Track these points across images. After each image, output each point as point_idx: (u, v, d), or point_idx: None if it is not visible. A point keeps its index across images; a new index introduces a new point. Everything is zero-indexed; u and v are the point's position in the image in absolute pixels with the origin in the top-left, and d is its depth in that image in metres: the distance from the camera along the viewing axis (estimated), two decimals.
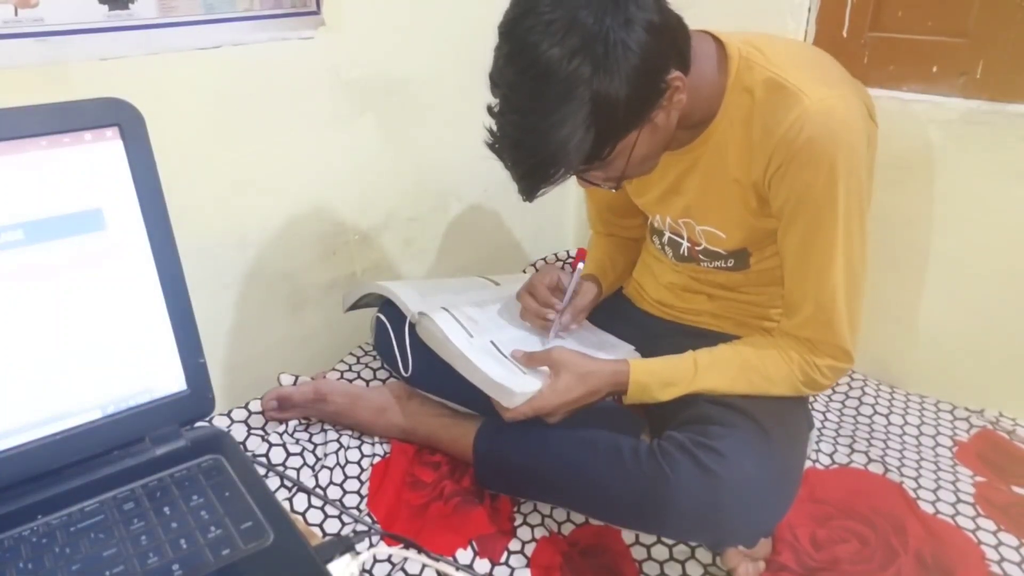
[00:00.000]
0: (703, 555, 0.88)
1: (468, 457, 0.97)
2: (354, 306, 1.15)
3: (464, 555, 0.87)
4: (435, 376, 1.01)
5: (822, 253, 0.84)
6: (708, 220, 0.94)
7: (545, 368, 0.92)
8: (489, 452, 0.96)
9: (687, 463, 0.81)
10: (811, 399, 1.15)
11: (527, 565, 0.86)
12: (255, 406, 1.05)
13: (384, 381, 1.15)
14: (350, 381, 1.15)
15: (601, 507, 0.88)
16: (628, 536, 0.90)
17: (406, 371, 1.05)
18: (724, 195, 0.90)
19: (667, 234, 1.03)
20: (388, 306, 1.09)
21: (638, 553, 0.88)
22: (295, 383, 1.07)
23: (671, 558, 0.88)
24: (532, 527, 0.92)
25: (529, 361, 0.93)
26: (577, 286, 1.00)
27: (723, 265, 0.99)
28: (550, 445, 0.91)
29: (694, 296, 1.05)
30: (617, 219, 1.17)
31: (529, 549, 0.89)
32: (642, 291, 1.13)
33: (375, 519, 0.91)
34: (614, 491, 0.85)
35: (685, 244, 1.00)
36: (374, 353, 1.20)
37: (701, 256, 0.99)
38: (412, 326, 1.02)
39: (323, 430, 1.05)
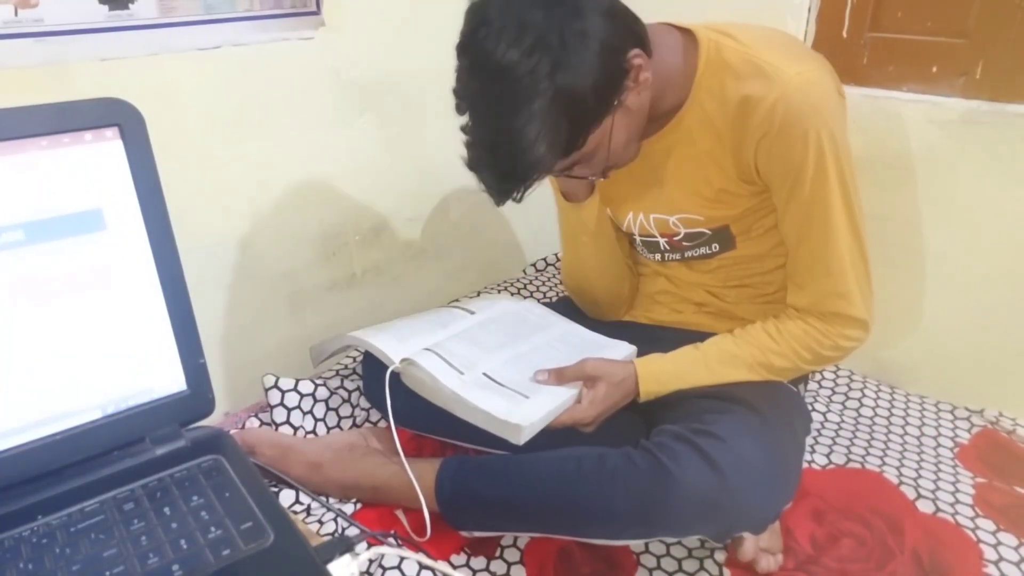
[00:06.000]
0: (700, 549, 0.88)
1: (430, 502, 0.88)
2: (326, 359, 1.06)
3: (458, 557, 0.87)
4: (437, 415, 0.92)
5: (826, 224, 0.85)
6: (681, 207, 0.94)
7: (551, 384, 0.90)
8: (457, 491, 0.88)
9: (688, 452, 0.79)
10: (811, 400, 1.15)
11: (521, 561, 0.86)
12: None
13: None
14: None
15: (597, 524, 0.82)
16: None
17: (395, 419, 0.95)
18: (699, 176, 0.90)
19: (638, 238, 1.02)
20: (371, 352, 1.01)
21: (636, 545, 0.88)
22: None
23: (668, 554, 0.88)
24: None
25: (560, 378, 0.90)
26: None
27: (708, 251, 0.98)
28: (526, 470, 0.85)
29: (682, 303, 1.04)
30: None
31: (522, 542, 0.88)
32: (633, 306, 1.11)
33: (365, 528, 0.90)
34: (609, 503, 0.79)
35: (661, 241, 0.99)
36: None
37: (684, 243, 0.98)
38: (394, 375, 0.93)
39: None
